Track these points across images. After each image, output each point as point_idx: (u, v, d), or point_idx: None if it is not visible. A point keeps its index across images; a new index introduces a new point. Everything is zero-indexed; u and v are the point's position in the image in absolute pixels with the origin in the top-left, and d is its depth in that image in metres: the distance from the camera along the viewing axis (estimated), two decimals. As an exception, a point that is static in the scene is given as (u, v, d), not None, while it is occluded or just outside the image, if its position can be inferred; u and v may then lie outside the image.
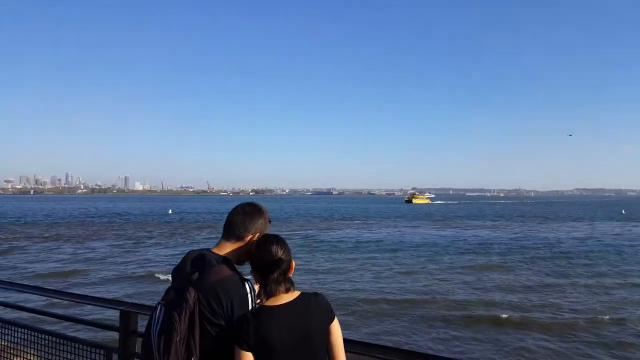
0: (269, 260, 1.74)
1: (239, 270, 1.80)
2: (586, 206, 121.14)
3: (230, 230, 1.85)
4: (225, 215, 1.93)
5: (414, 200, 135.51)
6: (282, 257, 1.76)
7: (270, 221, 1.97)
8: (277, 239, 1.82)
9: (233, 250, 1.84)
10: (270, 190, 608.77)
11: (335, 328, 1.75)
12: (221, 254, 1.81)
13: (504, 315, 11.90)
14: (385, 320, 11.66)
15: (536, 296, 14.51)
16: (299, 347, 1.64)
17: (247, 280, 1.77)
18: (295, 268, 1.84)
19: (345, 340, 1.82)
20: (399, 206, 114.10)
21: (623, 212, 77.99)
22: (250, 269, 1.84)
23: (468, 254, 24.13)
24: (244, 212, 1.90)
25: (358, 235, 36.11)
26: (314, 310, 1.70)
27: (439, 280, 16.89)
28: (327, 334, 1.73)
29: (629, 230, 40.78)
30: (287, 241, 1.86)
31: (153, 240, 30.87)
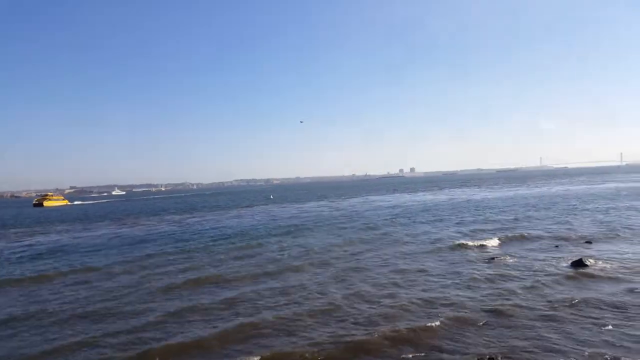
0: None
1: None
2: (247, 194, 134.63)
3: None
4: None
5: (46, 203, 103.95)
6: None
7: None
8: None
9: None
10: None
11: None
12: None
13: None
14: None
15: None
16: None
17: None
18: None
19: None
20: (23, 210, 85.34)
21: (272, 196, 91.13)
22: None
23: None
24: None
25: None
26: None
27: None
28: None
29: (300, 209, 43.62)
30: None
31: None
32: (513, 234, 21.33)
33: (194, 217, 46.15)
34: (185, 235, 28.77)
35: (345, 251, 19.14)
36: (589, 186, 65.73)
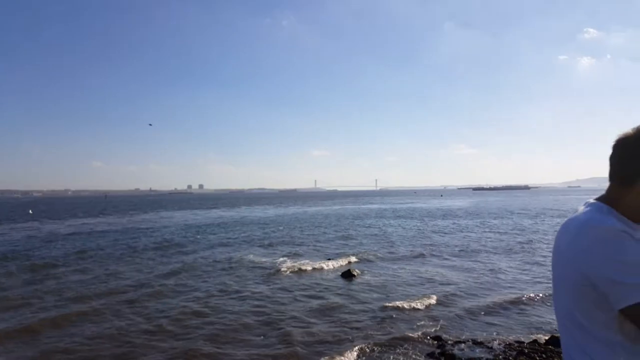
0: None
1: None
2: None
3: None
4: None
5: None
6: None
7: None
8: None
9: None
10: None
11: None
12: None
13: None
14: None
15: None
16: None
17: None
18: None
19: None
20: None
21: (30, 211, 76.92)
22: None
23: None
24: None
25: None
26: None
27: None
28: None
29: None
30: None
31: None
32: (294, 250, 22.82)
33: None
34: None
35: (142, 281, 16.03)
36: (357, 206, 79.44)
